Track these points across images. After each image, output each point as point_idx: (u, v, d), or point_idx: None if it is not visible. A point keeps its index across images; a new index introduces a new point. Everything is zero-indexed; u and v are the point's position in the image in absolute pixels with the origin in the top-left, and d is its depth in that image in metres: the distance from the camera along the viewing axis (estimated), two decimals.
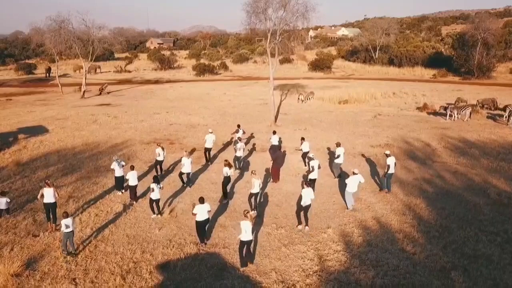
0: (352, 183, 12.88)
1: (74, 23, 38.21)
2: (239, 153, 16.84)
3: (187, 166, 14.95)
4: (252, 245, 10.16)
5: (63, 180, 15.94)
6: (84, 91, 39.40)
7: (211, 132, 18.14)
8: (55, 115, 29.38)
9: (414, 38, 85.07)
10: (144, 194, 14.28)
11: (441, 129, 23.91)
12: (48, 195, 11.58)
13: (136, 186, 13.75)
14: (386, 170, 14.25)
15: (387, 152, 14.86)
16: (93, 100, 37.08)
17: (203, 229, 10.87)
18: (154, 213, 12.62)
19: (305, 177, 15.22)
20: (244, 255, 9.79)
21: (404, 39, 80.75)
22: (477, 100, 30.59)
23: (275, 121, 26.36)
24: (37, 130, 24.26)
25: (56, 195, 11.88)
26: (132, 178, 13.55)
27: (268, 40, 25.24)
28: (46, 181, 12.06)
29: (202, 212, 10.63)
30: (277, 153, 16.51)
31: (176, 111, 30.48)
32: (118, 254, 10.51)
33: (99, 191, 14.84)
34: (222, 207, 13.44)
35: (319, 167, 14.39)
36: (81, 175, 16.50)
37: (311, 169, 14.25)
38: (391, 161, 14.14)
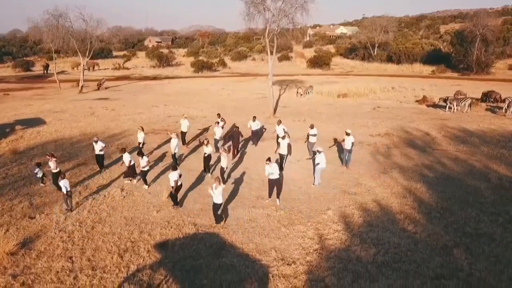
0: (323, 160, 13.38)
1: (72, 17, 37.96)
2: (217, 136, 17.59)
3: (174, 146, 15.46)
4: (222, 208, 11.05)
5: (60, 167, 15.64)
6: (82, 86, 39.23)
7: (186, 118, 19.06)
8: (53, 108, 29.19)
9: (413, 35, 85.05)
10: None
11: (440, 120, 23.81)
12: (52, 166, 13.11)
13: (130, 166, 13.91)
14: (344, 146, 15.34)
15: (348, 131, 15.54)
16: (91, 95, 36.88)
17: (177, 193, 12.05)
18: (146, 183, 13.71)
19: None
20: (218, 215, 10.80)
21: (403, 36, 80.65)
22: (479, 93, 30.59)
23: (274, 113, 26.21)
24: (35, 122, 24.07)
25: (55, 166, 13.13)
26: (126, 159, 13.85)
27: (267, 31, 25.09)
28: (47, 154, 13.73)
29: (175, 178, 11.78)
30: (233, 131, 17.33)
31: (175, 105, 30.31)
32: (115, 235, 10.37)
33: (96, 177, 14.70)
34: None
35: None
36: (78, 162, 16.35)
37: (278, 145, 15.68)
38: (348, 139, 15.12)
